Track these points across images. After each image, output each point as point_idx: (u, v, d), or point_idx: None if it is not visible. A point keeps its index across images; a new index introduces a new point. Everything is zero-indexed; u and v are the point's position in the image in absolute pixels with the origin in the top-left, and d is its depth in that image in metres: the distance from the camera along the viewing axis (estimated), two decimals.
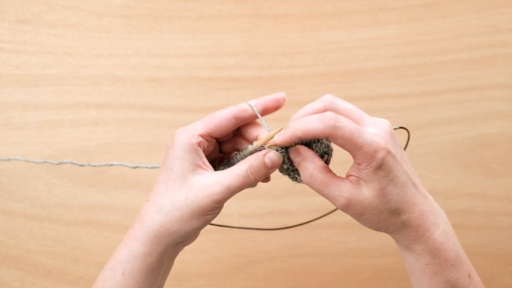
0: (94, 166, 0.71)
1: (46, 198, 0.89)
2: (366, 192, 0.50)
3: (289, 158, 0.54)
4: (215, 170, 0.59)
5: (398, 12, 0.93)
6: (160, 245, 0.54)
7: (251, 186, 0.56)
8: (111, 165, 0.69)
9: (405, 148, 0.63)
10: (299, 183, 0.56)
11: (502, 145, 0.96)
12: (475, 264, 0.56)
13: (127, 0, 0.89)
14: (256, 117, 0.56)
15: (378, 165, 0.49)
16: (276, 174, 0.57)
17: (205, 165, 0.54)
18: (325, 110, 0.52)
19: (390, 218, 0.51)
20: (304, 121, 0.50)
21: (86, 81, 0.89)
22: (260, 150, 0.54)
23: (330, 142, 0.54)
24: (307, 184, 0.53)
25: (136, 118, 0.90)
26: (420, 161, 0.95)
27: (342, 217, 0.85)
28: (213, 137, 0.55)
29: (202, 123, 0.54)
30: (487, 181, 0.96)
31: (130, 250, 0.54)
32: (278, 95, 0.56)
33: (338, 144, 0.50)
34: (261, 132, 0.56)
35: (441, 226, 0.52)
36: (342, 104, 0.53)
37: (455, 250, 0.53)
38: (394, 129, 0.55)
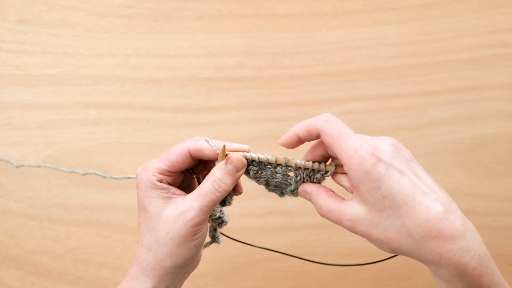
0: (115, 178, 0.74)
1: (46, 198, 0.89)
2: (361, 208, 0.48)
3: (256, 163, 0.54)
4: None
5: (398, 12, 0.93)
6: (163, 281, 0.54)
7: (227, 204, 0.57)
8: (129, 178, 0.70)
9: None
10: (289, 196, 0.55)
11: (502, 145, 0.96)
12: None
13: (127, 0, 0.89)
14: (214, 152, 0.54)
15: (364, 172, 0.46)
16: None
17: (176, 194, 0.54)
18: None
19: (398, 237, 0.46)
20: (302, 122, 0.51)
21: (86, 81, 0.89)
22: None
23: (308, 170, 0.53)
24: (326, 218, 0.51)
25: (136, 118, 0.90)
26: (420, 161, 0.95)
27: None
28: (173, 172, 0.54)
29: (160, 160, 0.54)
30: (487, 181, 0.96)
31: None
32: (240, 146, 0.55)
33: (326, 142, 0.49)
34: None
35: (472, 250, 0.46)
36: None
37: (489, 274, 0.47)
38: None
